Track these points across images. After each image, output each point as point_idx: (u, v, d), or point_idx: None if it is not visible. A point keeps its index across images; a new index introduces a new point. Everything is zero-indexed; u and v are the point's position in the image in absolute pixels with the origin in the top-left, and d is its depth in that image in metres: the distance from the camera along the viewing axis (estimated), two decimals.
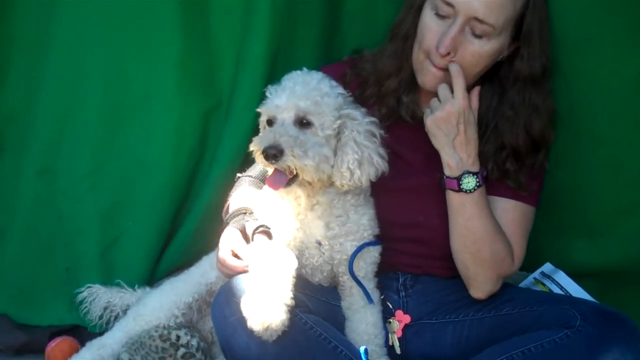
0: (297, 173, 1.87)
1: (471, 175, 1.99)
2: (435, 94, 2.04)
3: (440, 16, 1.97)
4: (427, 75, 2.05)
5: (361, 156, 1.90)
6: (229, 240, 1.97)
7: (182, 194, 2.63)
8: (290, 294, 1.75)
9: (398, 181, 2.09)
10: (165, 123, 2.56)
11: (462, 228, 2.04)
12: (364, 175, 1.91)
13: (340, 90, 1.97)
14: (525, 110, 2.07)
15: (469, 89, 2.02)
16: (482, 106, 2.08)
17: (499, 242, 2.05)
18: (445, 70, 2.00)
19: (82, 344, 2.34)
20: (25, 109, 2.62)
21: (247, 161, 2.37)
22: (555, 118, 2.17)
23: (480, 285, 2.08)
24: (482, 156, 2.07)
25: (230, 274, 1.93)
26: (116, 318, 2.44)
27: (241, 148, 2.42)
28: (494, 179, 2.10)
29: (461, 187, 2.00)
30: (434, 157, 2.09)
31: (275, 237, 1.96)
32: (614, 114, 2.30)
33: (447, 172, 2.01)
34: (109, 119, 2.56)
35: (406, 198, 2.15)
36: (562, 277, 2.35)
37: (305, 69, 1.99)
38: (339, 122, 1.92)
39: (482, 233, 2.02)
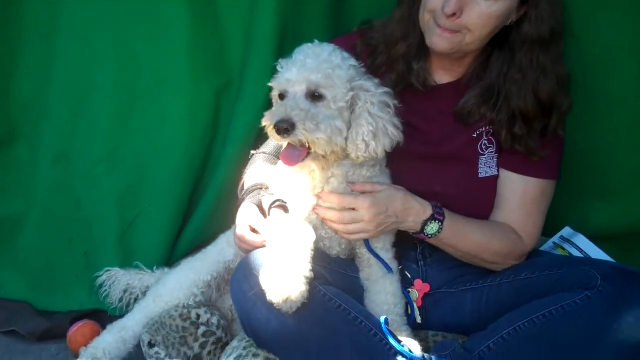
0: (309, 147, 1.86)
1: (429, 222, 2.01)
2: (445, 57, 2.07)
3: None
4: (433, 37, 2.03)
5: (376, 127, 1.89)
6: (246, 216, 1.98)
7: (197, 174, 2.66)
8: (309, 266, 1.76)
9: (413, 150, 2.09)
10: (178, 104, 2.58)
11: (455, 253, 2.11)
12: (380, 147, 1.90)
13: (353, 61, 1.95)
14: (533, 72, 2.04)
15: (476, 53, 2.07)
16: (492, 73, 2.08)
17: (495, 245, 2.08)
18: (452, 31, 1.99)
19: (103, 327, 2.36)
20: (39, 96, 2.67)
21: (260, 138, 2.38)
22: (568, 84, 2.14)
23: (499, 269, 2.13)
24: (495, 125, 2.08)
25: (248, 250, 1.94)
26: (136, 300, 2.46)
27: (254, 125, 2.41)
28: (508, 147, 2.10)
29: (428, 234, 2.02)
30: (449, 127, 2.09)
31: (293, 211, 1.96)
32: (629, 74, 2.28)
33: (412, 232, 2.04)
34: (122, 103, 2.59)
35: (423, 167, 2.14)
36: (582, 241, 2.35)
37: (316, 42, 1.97)
38: (351, 94, 1.90)
39: (474, 250, 2.08)
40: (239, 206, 2.07)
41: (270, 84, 1.96)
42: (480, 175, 2.13)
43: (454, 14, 1.95)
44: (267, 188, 2.05)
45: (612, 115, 2.36)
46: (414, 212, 2.00)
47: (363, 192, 1.97)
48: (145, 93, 2.60)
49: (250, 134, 2.51)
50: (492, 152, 2.13)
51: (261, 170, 2.14)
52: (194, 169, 2.65)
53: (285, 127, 1.81)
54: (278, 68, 1.93)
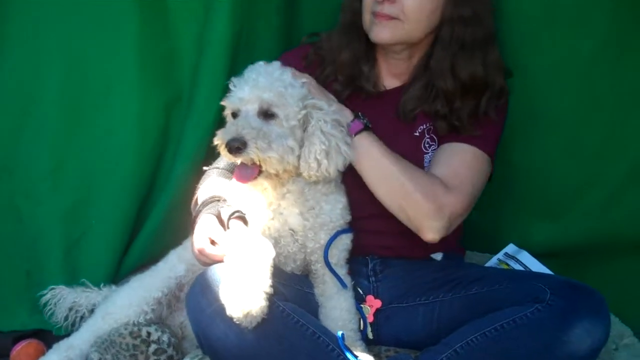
0: (261, 165, 1.89)
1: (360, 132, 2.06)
2: (392, 50, 2.20)
3: None
4: (374, 28, 2.13)
5: (328, 146, 1.93)
6: (205, 228, 1.98)
7: (145, 189, 2.63)
8: (269, 282, 1.78)
9: None
10: (126, 117, 2.55)
11: (376, 170, 2.07)
12: (332, 166, 1.94)
13: (305, 80, 2.00)
14: (451, 48, 2.14)
15: (421, 53, 2.22)
16: (431, 69, 2.17)
17: (418, 173, 2.09)
18: (389, 17, 2.09)
19: (48, 346, 2.31)
20: None
21: (211, 154, 2.37)
22: (504, 72, 2.21)
23: (425, 222, 2.06)
24: (432, 117, 2.19)
25: (208, 263, 1.94)
26: (82, 318, 2.42)
27: (204, 141, 2.42)
28: (444, 134, 2.18)
29: (365, 124, 2.09)
30: (392, 128, 2.18)
31: (251, 224, 1.98)
32: (569, 93, 2.40)
33: (348, 120, 2.08)
34: (69, 115, 2.53)
35: None
36: (526, 257, 2.44)
37: (265, 61, 2.00)
38: (304, 112, 1.94)
39: (395, 167, 2.06)
40: (194, 221, 2.07)
41: (222, 103, 1.98)
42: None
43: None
44: (224, 200, 2.06)
45: (552, 134, 2.48)
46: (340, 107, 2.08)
47: None
48: (93, 104, 2.55)
49: (200, 150, 2.51)
50: (435, 150, 2.20)
51: (216, 184, 2.15)
52: (143, 184, 2.63)
53: (236, 146, 1.84)
54: (230, 86, 1.96)
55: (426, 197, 2.04)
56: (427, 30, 2.15)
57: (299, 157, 1.94)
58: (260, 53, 2.54)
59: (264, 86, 1.90)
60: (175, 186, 2.58)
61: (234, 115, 1.95)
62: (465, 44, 2.13)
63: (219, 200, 2.05)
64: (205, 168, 2.27)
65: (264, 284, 1.76)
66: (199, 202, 2.13)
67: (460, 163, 2.14)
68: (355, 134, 2.06)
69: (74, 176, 2.56)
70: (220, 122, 2.14)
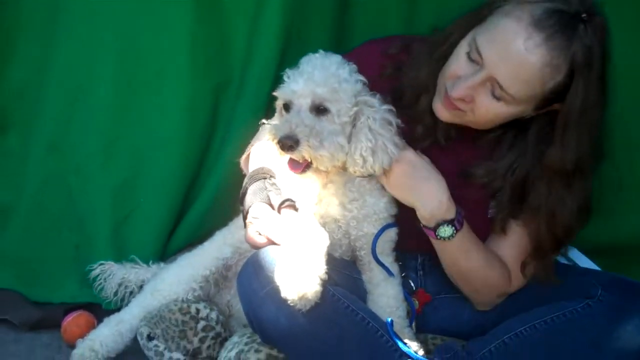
0: (311, 161, 1.91)
1: (447, 224, 1.96)
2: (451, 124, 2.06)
3: (470, 59, 1.91)
4: (438, 102, 2.01)
5: (375, 144, 1.93)
6: (261, 216, 1.97)
7: (194, 170, 2.69)
8: (324, 268, 1.80)
9: None
10: (177, 98, 2.60)
11: (449, 267, 2.09)
12: (377, 163, 1.94)
13: (360, 76, 1.98)
14: (551, 203, 1.98)
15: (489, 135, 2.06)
16: (502, 161, 2.06)
17: (489, 273, 2.06)
18: (455, 107, 1.96)
19: (98, 319, 2.39)
20: (34, 84, 2.65)
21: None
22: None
23: (480, 304, 2.15)
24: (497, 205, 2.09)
25: (260, 247, 1.95)
26: (131, 294, 2.49)
27: (254, 124, 2.43)
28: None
29: (438, 236, 1.98)
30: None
31: (302, 210, 2.01)
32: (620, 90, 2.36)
33: (423, 222, 2.00)
34: (121, 95, 2.59)
35: None
36: (575, 253, 2.44)
37: (322, 52, 1.99)
38: (355, 108, 1.94)
39: (468, 271, 2.06)
40: (244, 190, 2.06)
41: (275, 93, 1.98)
42: (489, 215, 2.14)
43: (462, 99, 1.93)
44: (271, 176, 2.07)
45: (604, 129, 2.44)
46: (437, 198, 1.95)
47: None
48: (145, 85, 2.60)
49: (249, 133, 2.54)
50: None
51: (267, 151, 2.12)
52: (191, 165, 2.68)
53: (289, 144, 1.85)
54: (284, 78, 1.96)
55: (488, 292, 2.10)
56: (493, 127, 2.03)
57: (347, 153, 1.95)
58: (312, 45, 2.54)
59: (318, 81, 1.89)
60: (223, 168, 2.63)
61: (286, 106, 1.96)
62: (565, 200, 1.98)
63: (265, 178, 2.05)
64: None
65: (320, 268, 1.79)
66: (250, 168, 2.13)
67: (516, 250, 2.09)
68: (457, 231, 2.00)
69: (124, 155, 2.63)
70: (270, 106, 2.16)
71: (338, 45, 2.62)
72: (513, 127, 2.04)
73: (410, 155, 1.98)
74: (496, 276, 2.07)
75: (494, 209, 2.11)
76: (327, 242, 1.87)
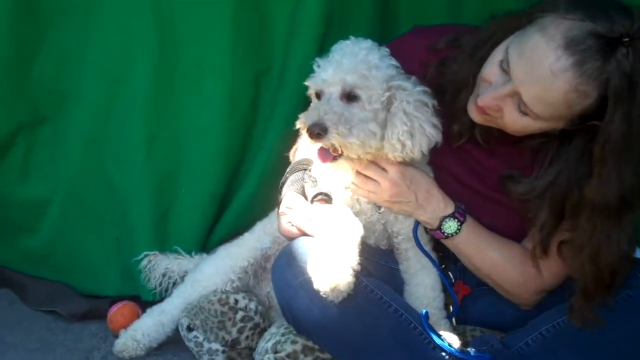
0: (342, 150, 1.91)
1: (449, 218, 2.01)
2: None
3: (502, 68, 1.85)
4: (471, 103, 1.96)
5: (411, 127, 1.92)
6: (295, 206, 2.01)
7: (235, 160, 2.71)
8: (357, 259, 1.82)
9: (467, 179, 2.12)
10: (217, 87, 2.61)
11: (468, 265, 2.10)
12: (416, 146, 1.93)
13: (392, 61, 1.98)
14: (595, 239, 1.86)
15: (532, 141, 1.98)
16: (547, 175, 1.97)
17: (509, 271, 2.05)
18: (486, 114, 1.92)
19: (143, 310, 2.46)
20: (69, 77, 2.67)
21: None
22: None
23: (518, 302, 2.10)
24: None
25: (294, 238, 1.99)
26: (174, 284, 2.55)
27: (296, 113, 2.43)
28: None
29: (445, 233, 2.03)
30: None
31: (335, 201, 2.01)
32: None
33: (428, 226, 2.05)
34: (161, 85, 2.61)
35: (474, 197, 2.11)
36: None
37: (353, 38, 2.00)
38: (387, 94, 1.94)
39: (487, 267, 2.06)
40: (282, 183, 2.11)
41: (306, 83, 2.00)
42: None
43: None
44: (311, 168, 2.10)
45: None
46: (434, 201, 2.02)
47: None
48: (185, 75, 2.61)
49: (292, 121, 2.53)
50: None
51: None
52: (232, 155, 2.70)
53: (317, 132, 1.86)
54: (314, 67, 1.98)
55: (516, 290, 2.06)
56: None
57: (382, 138, 1.94)
58: (353, 32, 2.50)
59: (347, 68, 1.90)
60: (266, 157, 2.64)
61: (318, 95, 1.98)
62: (611, 236, 1.84)
63: (305, 169, 2.08)
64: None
65: (352, 260, 1.81)
66: (295, 157, 2.17)
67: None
68: (439, 238, 2.05)
69: (165, 146, 2.65)
70: None
71: (381, 32, 2.62)
72: (557, 136, 1.94)
73: (397, 170, 1.98)
74: (519, 274, 2.04)
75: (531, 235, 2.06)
76: (360, 233, 1.88)
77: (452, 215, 2.02)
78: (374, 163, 2.00)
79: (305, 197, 2.04)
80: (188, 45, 2.59)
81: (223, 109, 2.62)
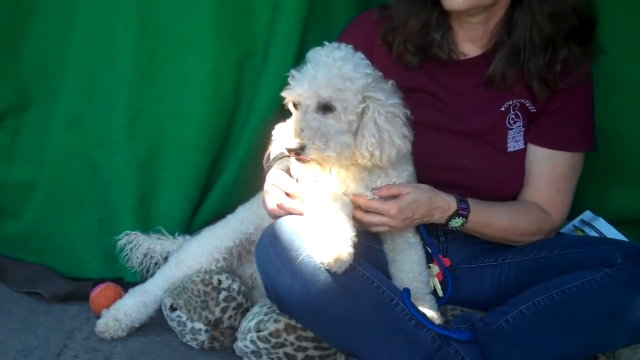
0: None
1: (454, 218, 2.10)
2: (467, 14, 2.15)
3: None
4: None
5: (380, 138, 1.95)
6: (280, 182, 2.07)
7: (218, 142, 2.72)
8: (354, 230, 1.86)
9: (442, 125, 2.20)
10: (200, 69, 2.62)
11: (481, 236, 2.20)
12: (384, 157, 1.97)
13: (367, 69, 2.00)
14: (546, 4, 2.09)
15: (498, 17, 2.16)
16: (516, 33, 2.14)
17: (522, 227, 2.17)
18: None
19: (126, 290, 2.46)
20: (54, 60, 2.68)
21: (284, 110, 2.42)
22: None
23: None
24: (526, 76, 2.16)
25: (281, 217, 2.01)
26: (156, 265, 2.56)
27: (279, 96, 2.44)
28: (543, 96, 2.17)
29: (453, 228, 2.13)
30: (478, 101, 2.18)
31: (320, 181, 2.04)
32: None
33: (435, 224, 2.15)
34: (143, 66, 2.61)
35: (451, 141, 2.22)
36: (602, 224, 2.42)
37: (328, 45, 2.01)
38: (362, 105, 1.97)
39: (500, 233, 2.19)
40: (265, 174, 2.14)
41: (282, 94, 2.02)
42: (508, 150, 2.20)
43: None
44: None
45: (636, 100, 2.41)
46: (439, 211, 2.09)
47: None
48: (167, 56, 2.62)
49: (275, 104, 2.56)
50: (519, 126, 2.20)
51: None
52: (216, 137, 2.70)
53: (296, 149, 1.90)
54: (289, 80, 1.99)
55: (530, 238, 2.20)
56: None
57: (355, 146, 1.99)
58: (336, 15, 2.63)
59: (321, 83, 1.93)
60: (249, 140, 2.66)
61: (294, 105, 2.01)
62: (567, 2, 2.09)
63: (289, 156, 2.10)
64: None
65: (350, 230, 1.85)
66: (271, 156, 2.19)
67: (561, 178, 2.21)
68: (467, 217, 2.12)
69: (148, 127, 2.65)
70: None
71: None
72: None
73: (393, 208, 2.01)
74: (532, 224, 2.18)
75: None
76: (351, 206, 1.94)
77: (457, 214, 2.09)
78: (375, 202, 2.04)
79: (291, 175, 2.06)
80: (170, 27, 2.59)
81: (206, 92, 2.63)
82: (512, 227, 2.16)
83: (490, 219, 2.14)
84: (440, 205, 2.08)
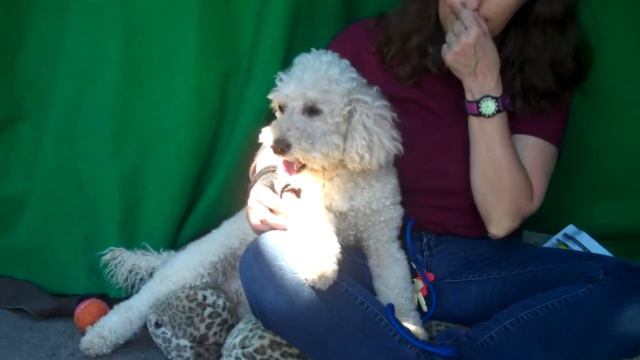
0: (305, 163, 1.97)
1: (491, 99, 2.08)
2: None
3: None
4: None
5: (370, 141, 1.97)
6: (263, 198, 2.07)
7: (203, 157, 2.73)
8: (339, 246, 1.87)
9: (427, 135, 2.22)
10: (185, 84, 2.63)
11: (483, 156, 2.13)
12: (374, 159, 1.98)
13: (353, 73, 2.03)
14: (548, 52, 2.15)
15: (496, 38, 2.13)
16: (507, 47, 2.19)
17: (520, 172, 2.13)
18: None
19: (111, 306, 2.46)
20: (46, 74, 2.72)
21: (269, 123, 2.43)
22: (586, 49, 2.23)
23: (499, 220, 2.15)
24: (508, 91, 2.16)
25: (265, 232, 2.01)
26: (141, 281, 2.56)
27: (263, 110, 2.50)
28: (524, 114, 2.20)
29: (480, 111, 2.09)
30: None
31: (304, 195, 2.04)
32: (636, 72, 2.36)
33: (468, 96, 2.11)
34: (129, 81, 2.63)
35: (437, 147, 2.24)
36: (586, 239, 2.43)
37: (314, 51, 2.04)
38: (348, 108, 1.98)
39: (502, 161, 2.11)
40: (250, 188, 2.14)
41: (269, 97, 2.04)
42: None
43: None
44: (277, 171, 2.14)
45: (620, 114, 2.45)
46: (489, 78, 2.07)
47: None
48: (153, 71, 2.64)
49: (260, 119, 2.57)
50: None
51: (273, 156, 2.20)
52: (201, 151, 2.71)
53: (281, 148, 1.90)
54: (277, 82, 2.01)
55: (513, 198, 2.13)
56: (504, 25, 2.15)
57: (344, 150, 1.99)
58: (320, 28, 2.63)
59: (308, 84, 1.94)
60: (234, 155, 2.66)
61: (281, 108, 2.02)
62: (561, 48, 2.15)
63: (274, 171, 2.12)
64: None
65: (335, 247, 1.86)
66: (257, 170, 2.19)
67: (538, 163, 2.20)
68: (471, 113, 2.12)
69: (133, 141, 2.67)
70: None
71: None
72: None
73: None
74: (523, 179, 2.14)
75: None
76: (334, 222, 1.95)
77: (496, 99, 2.07)
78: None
79: (274, 191, 2.06)
80: (155, 42, 2.62)
81: (191, 106, 2.65)
82: (516, 167, 2.12)
83: (509, 140, 2.12)
84: (494, 77, 2.07)
